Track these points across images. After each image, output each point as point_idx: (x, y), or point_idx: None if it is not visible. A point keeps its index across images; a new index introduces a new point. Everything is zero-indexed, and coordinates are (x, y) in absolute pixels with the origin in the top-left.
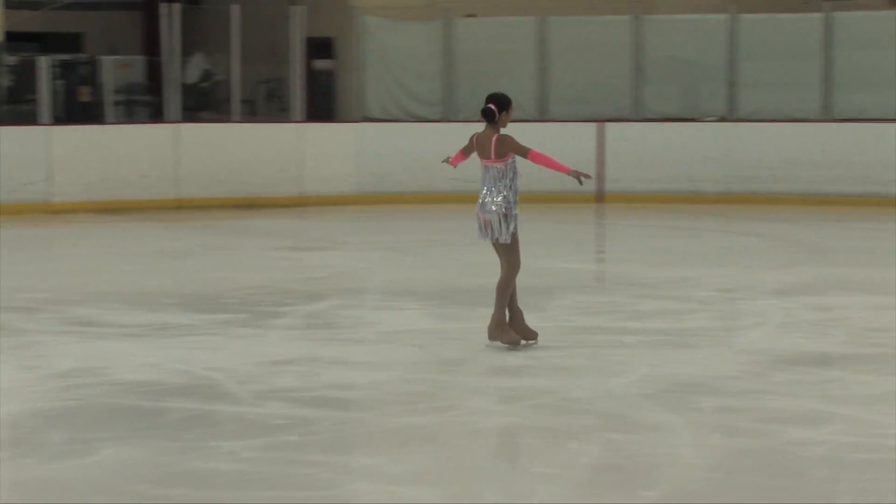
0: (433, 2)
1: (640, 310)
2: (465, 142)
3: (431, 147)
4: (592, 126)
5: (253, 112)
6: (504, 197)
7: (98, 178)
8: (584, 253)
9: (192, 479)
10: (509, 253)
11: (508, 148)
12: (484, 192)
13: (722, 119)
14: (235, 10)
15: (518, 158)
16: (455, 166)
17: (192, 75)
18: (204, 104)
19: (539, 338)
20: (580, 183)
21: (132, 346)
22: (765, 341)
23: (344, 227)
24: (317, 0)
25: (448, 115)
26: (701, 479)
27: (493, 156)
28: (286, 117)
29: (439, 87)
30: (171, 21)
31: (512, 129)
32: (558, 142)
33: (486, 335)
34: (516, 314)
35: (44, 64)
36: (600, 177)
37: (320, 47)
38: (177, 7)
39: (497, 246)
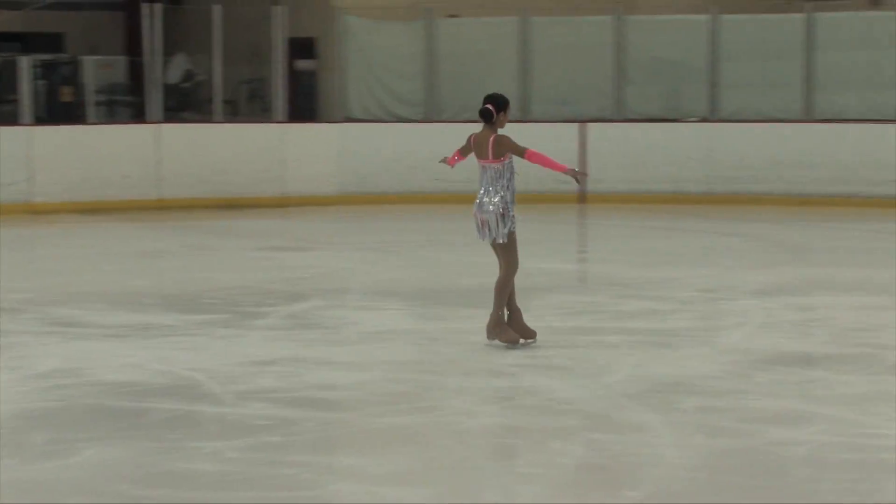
0: (415, 2)
1: (622, 310)
2: (449, 142)
3: (413, 147)
4: (575, 126)
5: (235, 112)
6: (501, 197)
7: (80, 179)
8: (566, 253)
9: (173, 479)
10: (507, 252)
11: (506, 148)
12: (481, 192)
13: (704, 119)
14: (217, 11)
15: (515, 159)
16: (452, 166)
17: (174, 75)
18: (186, 104)
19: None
20: (577, 182)
21: (114, 347)
22: (747, 341)
23: (326, 228)
24: (299, 0)
25: (430, 116)
26: (684, 479)
27: (490, 156)
28: (268, 117)
29: (421, 88)
30: (152, 21)
31: None
32: (540, 142)
33: (469, 335)
34: (515, 313)
35: (25, 64)
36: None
37: (302, 47)
38: (158, 7)
39: (495, 246)
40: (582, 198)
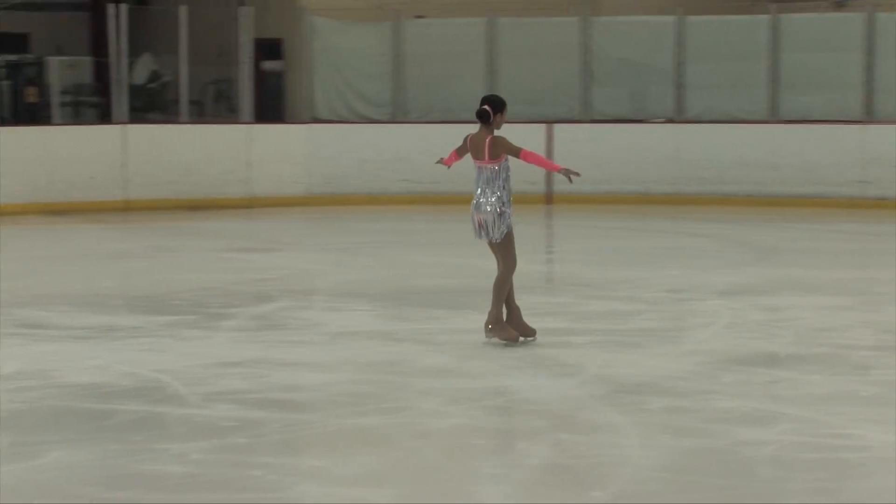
0: (382, 3)
1: (588, 310)
2: (416, 143)
3: (380, 148)
4: (542, 127)
5: (201, 113)
6: (498, 197)
7: (45, 180)
8: (533, 254)
9: (140, 481)
10: (505, 251)
11: (502, 149)
12: (478, 192)
13: (670, 120)
14: (183, 11)
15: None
16: (449, 167)
17: (140, 76)
18: (152, 105)
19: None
20: (570, 181)
21: (79, 349)
22: (713, 342)
23: (293, 229)
24: (265, 1)
25: (397, 116)
26: (650, 480)
27: (486, 157)
28: (235, 118)
29: (388, 88)
30: (118, 22)
31: (464, 130)
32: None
33: (435, 336)
34: (514, 311)
35: None
36: (549, 178)
37: (269, 48)
38: (124, 8)
39: (492, 245)
40: (548, 198)
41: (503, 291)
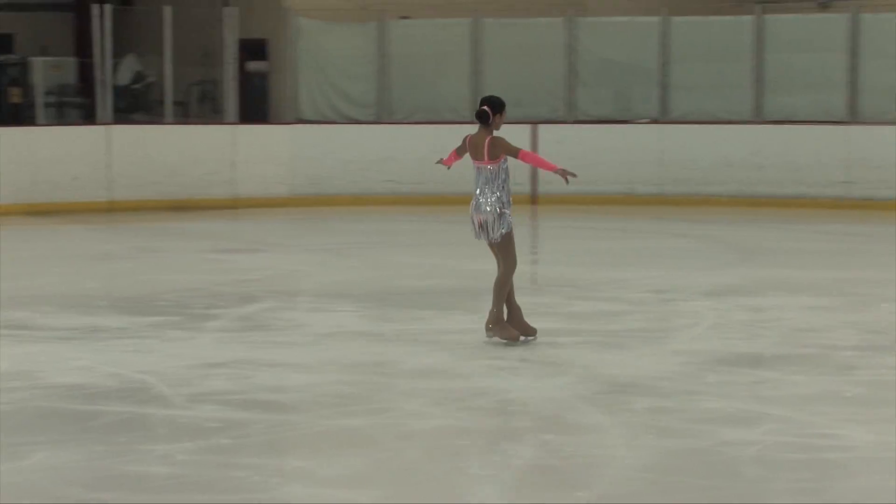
0: (367, 4)
1: (573, 311)
2: (401, 143)
3: (365, 149)
4: (526, 128)
5: (186, 114)
6: (497, 197)
7: (29, 181)
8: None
9: (125, 482)
10: (505, 251)
11: (501, 149)
12: (477, 193)
13: (655, 121)
14: (167, 12)
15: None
16: (449, 167)
17: (124, 77)
18: (136, 106)
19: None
20: (566, 182)
21: (64, 350)
22: (698, 342)
23: (277, 229)
24: (250, 1)
25: (382, 117)
26: (635, 480)
27: (486, 157)
28: (219, 119)
29: (373, 89)
30: (102, 22)
31: (449, 131)
32: None
33: (420, 336)
34: (515, 311)
35: None
36: (534, 179)
37: (253, 49)
38: (108, 8)
39: (492, 245)
40: (533, 199)
41: (504, 291)
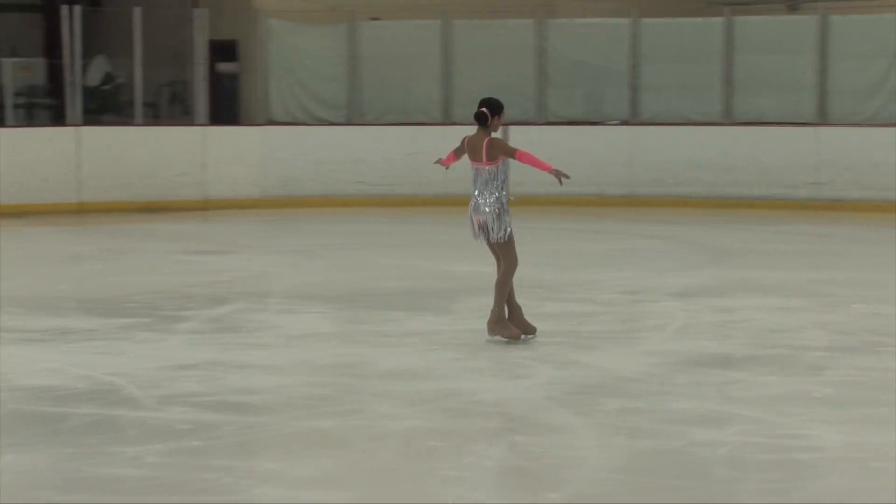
0: (337, 5)
1: (544, 312)
2: (372, 145)
3: (336, 150)
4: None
5: (156, 115)
6: (496, 198)
7: None
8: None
9: (95, 484)
10: (506, 251)
11: (499, 150)
12: (476, 194)
13: (625, 122)
14: (137, 13)
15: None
16: (448, 167)
17: (94, 78)
18: (106, 107)
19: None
20: (560, 183)
21: (33, 352)
22: (668, 343)
23: (248, 231)
24: (220, 3)
25: (352, 118)
26: (605, 481)
27: (484, 159)
28: (189, 120)
29: (344, 90)
30: (71, 23)
31: (419, 132)
32: None
33: (391, 338)
34: (515, 310)
35: None
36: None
37: (224, 50)
38: (77, 9)
39: (493, 245)
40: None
41: (505, 291)
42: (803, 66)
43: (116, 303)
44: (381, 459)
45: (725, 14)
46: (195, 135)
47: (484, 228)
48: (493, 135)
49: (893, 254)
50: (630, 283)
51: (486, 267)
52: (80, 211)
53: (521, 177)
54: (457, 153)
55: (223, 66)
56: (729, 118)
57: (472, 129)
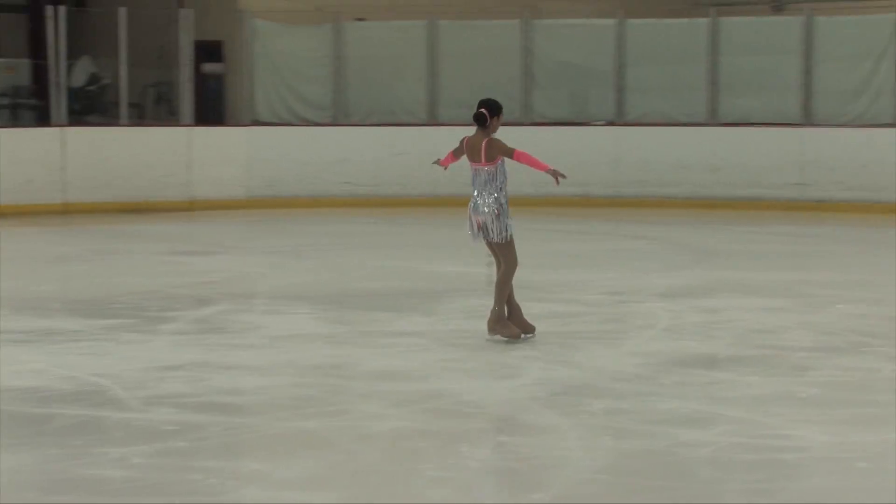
0: (323, 5)
1: (529, 313)
2: (358, 145)
3: (322, 151)
4: None
5: (141, 116)
6: (495, 198)
7: None
8: (473, 256)
9: (80, 485)
10: (506, 251)
11: (497, 151)
12: (475, 194)
13: (610, 123)
14: (122, 13)
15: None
16: (446, 168)
17: (79, 78)
18: (91, 108)
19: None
20: (556, 182)
21: (18, 353)
22: (653, 344)
23: (234, 232)
24: (205, 3)
25: (338, 119)
26: (590, 481)
27: (483, 159)
28: (175, 121)
29: (329, 91)
30: (56, 24)
31: (405, 133)
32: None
33: (377, 339)
34: (515, 309)
35: None
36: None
37: (209, 51)
38: (62, 9)
39: (493, 245)
40: None
41: (505, 291)
42: (788, 66)
43: (102, 303)
44: (367, 460)
45: (710, 15)
46: (180, 135)
47: (483, 229)
48: (493, 136)
49: (878, 254)
50: (615, 283)
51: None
52: (65, 212)
53: (507, 176)
54: (455, 154)
55: (208, 67)
56: (714, 119)
57: (455, 129)
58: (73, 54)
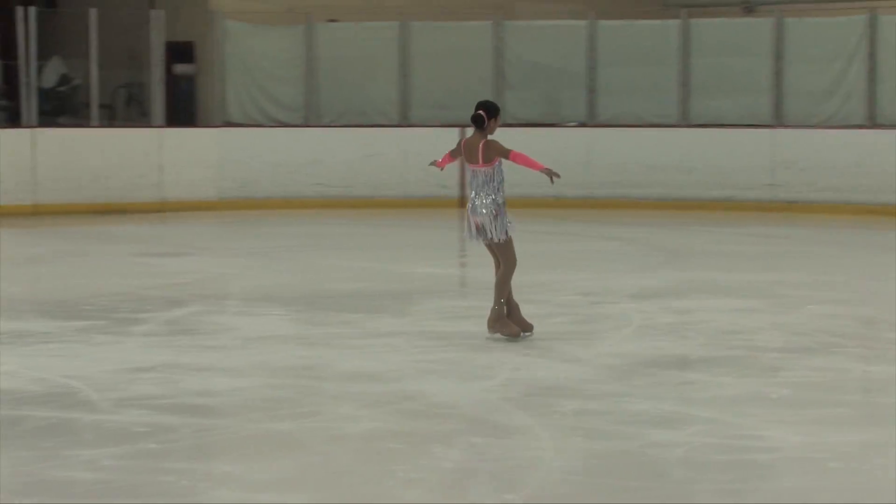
0: (294, 6)
1: None
2: (329, 147)
3: (294, 152)
4: (454, 131)
5: (112, 117)
6: (493, 199)
7: None
8: (446, 258)
9: (50, 488)
10: (505, 251)
11: (495, 152)
12: (472, 195)
13: (582, 124)
14: (93, 14)
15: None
16: (443, 168)
17: (50, 79)
18: (62, 109)
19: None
20: (551, 182)
21: None
22: (625, 344)
23: (205, 233)
24: (176, 4)
25: (310, 120)
26: (563, 482)
27: (480, 161)
28: (146, 122)
29: (301, 92)
30: (27, 24)
31: (377, 134)
32: (420, 147)
33: (348, 340)
34: (514, 308)
35: None
36: (462, 182)
37: (180, 51)
38: (32, 10)
39: (492, 246)
40: (462, 202)
41: (504, 289)
42: (759, 68)
43: (72, 305)
44: (340, 461)
45: (682, 16)
46: (152, 137)
47: (481, 230)
48: (490, 137)
49: (848, 255)
50: (587, 284)
51: (445, 269)
52: (36, 213)
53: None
54: (452, 155)
55: (180, 68)
56: (686, 120)
57: (426, 132)
58: (44, 55)
